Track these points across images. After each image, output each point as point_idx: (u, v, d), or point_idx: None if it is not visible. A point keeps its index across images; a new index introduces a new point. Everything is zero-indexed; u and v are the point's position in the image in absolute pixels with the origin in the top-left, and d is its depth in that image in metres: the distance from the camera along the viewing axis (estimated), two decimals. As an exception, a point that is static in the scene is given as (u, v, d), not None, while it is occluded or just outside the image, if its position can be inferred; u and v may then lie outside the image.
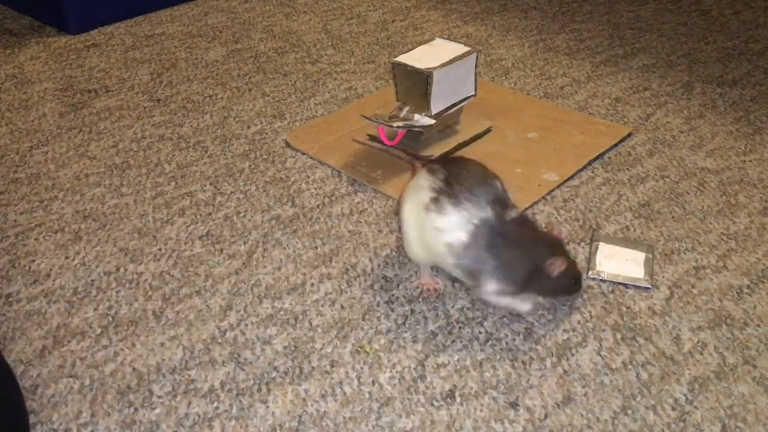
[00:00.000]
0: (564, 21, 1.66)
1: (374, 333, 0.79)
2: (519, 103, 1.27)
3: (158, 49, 1.50)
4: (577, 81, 1.37)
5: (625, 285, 0.85)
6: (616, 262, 0.88)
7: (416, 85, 1.08)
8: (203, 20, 1.65)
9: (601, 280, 0.86)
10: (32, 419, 0.69)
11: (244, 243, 0.93)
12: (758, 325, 0.81)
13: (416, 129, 1.06)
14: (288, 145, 1.15)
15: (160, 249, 0.92)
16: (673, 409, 0.71)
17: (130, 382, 0.73)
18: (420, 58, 1.06)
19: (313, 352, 0.77)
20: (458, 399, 0.71)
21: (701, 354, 0.77)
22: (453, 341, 0.78)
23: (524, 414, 0.70)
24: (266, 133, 1.19)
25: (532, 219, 0.83)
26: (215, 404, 0.71)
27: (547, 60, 1.45)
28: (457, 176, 0.77)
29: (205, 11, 1.70)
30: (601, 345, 0.78)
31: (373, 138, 1.13)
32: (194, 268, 0.89)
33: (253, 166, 1.10)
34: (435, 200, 0.76)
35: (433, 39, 1.15)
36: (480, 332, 0.79)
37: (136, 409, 0.70)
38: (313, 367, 0.75)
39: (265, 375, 0.74)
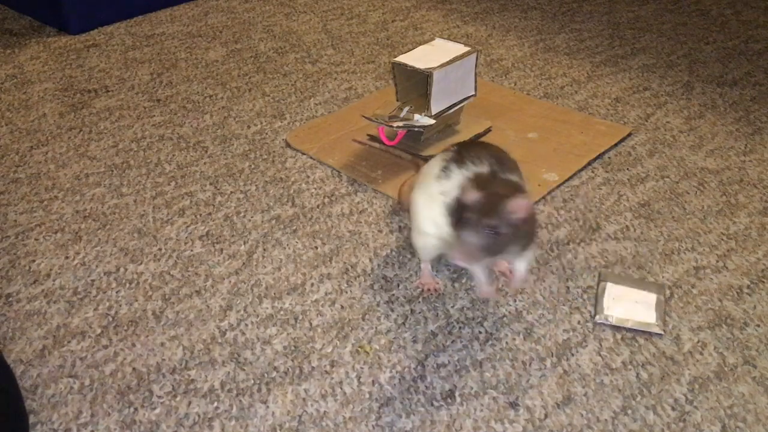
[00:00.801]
0: (564, 21, 1.66)
1: (374, 333, 0.79)
2: (519, 103, 1.27)
3: (158, 49, 1.50)
4: (577, 81, 1.37)
5: (635, 331, 0.79)
6: (626, 305, 0.81)
7: (416, 85, 1.09)
8: (203, 20, 1.65)
9: (610, 326, 0.80)
10: (32, 419, 0.69)
11: (244, 243, 0.93)
12: (758, 325, 0.81)
13: (416, 129, 1.06)
14: (288, 145, 1.15)
15: (160, 249, 0.92)
16: (673, 409, 0.71)
17: (130, 382, 0.73)
18: (420, 58, 1.06)
19: (313, 352, 0.77)
20: (458, 399, 0.71)
21: (701, 354, 0.77)
22: (453, 341, 0.78)
23: (524, 414, 0.70)
24: (266, 133, 1.19)
25: (521, 184, 0.75)
26: (215, 404, 0.71)
27: (547, 60, 1.45)
28: (469, 148, 0.78)
29: (205, 11, 1.70)
30: (601, 345, 0.78)
31: (373, 138, 1.13)
32: (194, 268, 0.89)
33: (253, 166, 1.10)
34: (444, 168, 0.77)
35: (433, 39, 1.15)
36: (480, 332, 0.79)
37: (136, 409, 0.70)
38: (313, 367, 0.75)
39: (265, 375, 0.74)
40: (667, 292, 0.85)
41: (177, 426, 0.68)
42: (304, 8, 1.73)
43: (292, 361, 0.76)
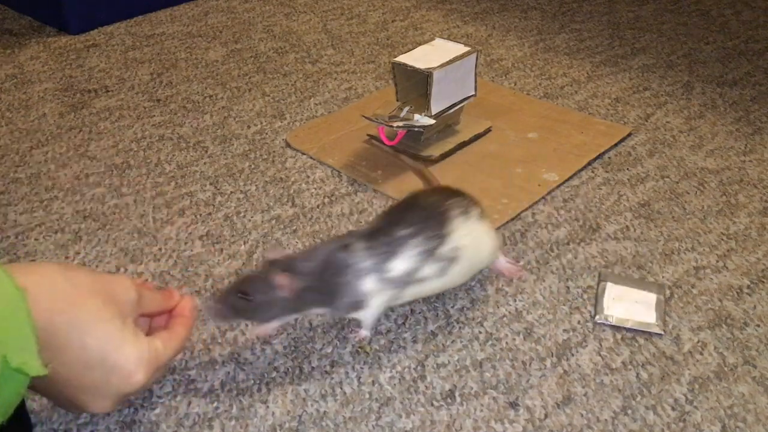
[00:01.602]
0: (564, 21, 1.66)
1: (374, 333, 0.79)
2: (519, 103, 1.27)
3: (158, 49, 1.50)
4: (577, 81, 1.37)
5: (635, 331, 0.79)
6: (626, 305, 0.82)
7: (416, 85, 1.09)
8: (203, 20, 1.65)
9: (610, 326, 0.80)
10: (32, 419, 0.69)
11: (244, 243, 0.93)
12: (758, 325, 0.81)
13: (416, 129, 1.06)
14: (288, 145, 1.15)
15: (160, 249, 0.92)
16: (673, 409, 0.71)
17: (130, 382, 0.73)
18: (420, 58, 1.06)
19: (313, 352, 0.77)
20: (458, 399, 0.71)
21: (701, 354, 0.77)
22: (453, 341, 0.78)
23: (524, 414, 0.70)
24: (266, 133, 1.19)
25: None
26: (215, 404, 0.71)
27: (547, 60, 1.45)
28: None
29: (205, 11, 1.70)
30: (601, 345, 0.78)
31: (373, 138, 1.13)
32: (194, 268, 0.89)
33: (253, 166, 1.10)
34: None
35: (433, 39, 1.15)
36: (480, 332, 0.79)
37: (136, 410, 0.70)
38: (313, 367, 0.75)
39: (265, 375, 0.74)
40: (667, 292, 0.85)
41: (177, 426, 0.69)
42: (304, 8, 1.73)
43: (292, 361, 0.76)
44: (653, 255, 0.91)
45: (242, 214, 0.99)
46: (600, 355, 0.77)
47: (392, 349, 0.77)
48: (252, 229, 0.96)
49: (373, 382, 0.73)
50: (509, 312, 0.82)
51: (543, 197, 1.02)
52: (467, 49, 1.09)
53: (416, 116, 1.07)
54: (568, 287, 0.86)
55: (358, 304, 0.73)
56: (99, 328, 0.52)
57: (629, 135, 1.18)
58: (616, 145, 1.15)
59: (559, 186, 1.04)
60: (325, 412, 0.70)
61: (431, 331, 0.80)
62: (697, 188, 1.05)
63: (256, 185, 1.05)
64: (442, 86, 1.06)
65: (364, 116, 1.09)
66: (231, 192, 1.04)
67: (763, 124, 1.23)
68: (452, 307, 0.83)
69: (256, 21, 1.65)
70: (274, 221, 0.97)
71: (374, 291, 0.73)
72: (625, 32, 1.60)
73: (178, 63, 1.44)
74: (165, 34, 1.58)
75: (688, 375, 0.74)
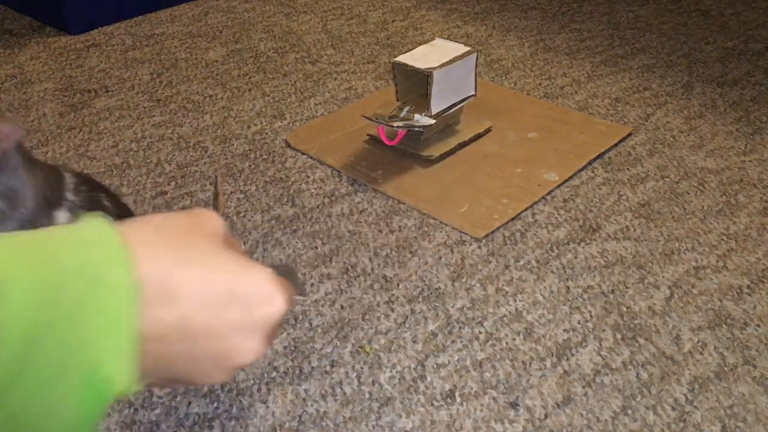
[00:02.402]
0: (564, 21, 1.66)
1: (374, 333, 0.79)
2: (519, 103, 1.27)
3: (158, 49, 1.50)
4: (577, 81, 1.37)
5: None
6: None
7: (416, 85, 1.09)
8: (203, 20, 1.65)
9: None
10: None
11: (244, 243, 0.93)
12: (758, 325, 0.81)
13: (416, 129, 1.06)
14: (288, 145, 1.15)
15: (160, 249, 0.92)
16: (673, 409, 0.71)
17: (130, 382, 0.73)
18: (420, 58, 1.06)
19: (313, 352, 0.77)
20: (458, 399, 0.71)
21: (701, 354, 0.77)
22: (453, 341, 0.78)
23: (524, 414, 0.70)
24: (266, 133, 1.19)
25: None
26: (215, 404, 0.71)
27: (547, 60, 1.45)
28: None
29: (205, 11, 1.70)
30: (601, 345, 0.78)
31: (373, 138, 1.13)
32: (194, 268, 0.89)
33: (253, 166, 1.10)
34: None
35: (433, 39, 1.15)
36: (480, 332, 0.79)
37: (136, 410, 0.70)
38: (313, 367, 0.75)
39: (265, 375, 0.74)
40: (667, 291, 0.85)
41: (177, 426, 0.69)
42: (304, 8, 1.73)
43: (292, 361, 0.76)
44: (653, 255, 0.91)
45: (242, 214, 0.99)
46: (600, 355, 0.77)
47: (392, 349, 0.77)
48: (252, 229, 0.96)
49: (373, 382, 0.73)
50: (509, 312, 0.82)
51: (543, 197, 1.02)
52: (467, 49, 1.09)
53: (416, 116, 1.07)
54: (568, 287, 0.86)
55: None
56: (217, 259, 0.43)
57: (629, 135, 1.18)
58: (616, 145, 1.15)
59: (559, 186, 1.04)
60: (325, 412, 0.70)
61: (431, 331, 0.80)
62: (697, 188, 1.05)
63: (256, 185, 1.05)
64: (442, 86, 1.06)
65: (364, 116, 1.09)
66: (231, 192, 1.04)
67: (763, 124, 1.23)
68: (452, 307, 0.83)
69: (256, 21, 1.65)
70: (274, 221, 0.97)
71: None
72: (625, 32, 1.60)
73: (178, 63, 1.44)
74: (165, 34, 1.58)
75: (688, 375, 0.74)
